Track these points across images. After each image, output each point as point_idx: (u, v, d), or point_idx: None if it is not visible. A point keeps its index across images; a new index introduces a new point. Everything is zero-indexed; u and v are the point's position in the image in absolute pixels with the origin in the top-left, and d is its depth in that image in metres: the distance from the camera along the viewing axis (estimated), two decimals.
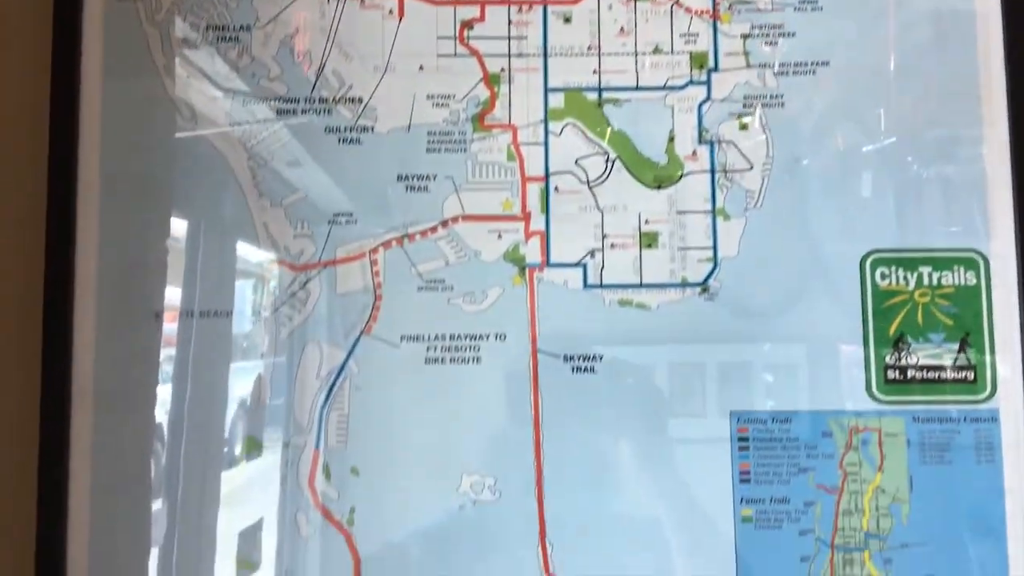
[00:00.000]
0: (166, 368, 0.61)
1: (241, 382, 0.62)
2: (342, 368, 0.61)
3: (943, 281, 0.61)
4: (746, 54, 0.63)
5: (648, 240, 0.62)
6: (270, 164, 0.62)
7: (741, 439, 0.61)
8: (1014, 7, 0.62)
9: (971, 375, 0.61)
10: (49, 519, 0.58)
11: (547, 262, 0.62)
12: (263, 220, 0.62)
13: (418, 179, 0.62)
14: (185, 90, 0.62)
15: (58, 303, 0.59)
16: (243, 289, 0.62)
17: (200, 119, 0.62)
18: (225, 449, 0.61)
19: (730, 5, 0.63)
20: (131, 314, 0.61)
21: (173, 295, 0.61)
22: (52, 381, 0.59)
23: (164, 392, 0.61)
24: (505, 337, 0.61)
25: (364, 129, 0.62)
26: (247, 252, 0.62)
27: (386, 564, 0.60)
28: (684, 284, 0.62)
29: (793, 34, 0.63)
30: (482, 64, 0.63)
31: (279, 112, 0.62)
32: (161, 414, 0.61)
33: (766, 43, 0.63)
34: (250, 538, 0.61)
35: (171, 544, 0.59)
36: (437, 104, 0.62)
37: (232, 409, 0.61)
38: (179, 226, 0.62)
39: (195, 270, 0.62)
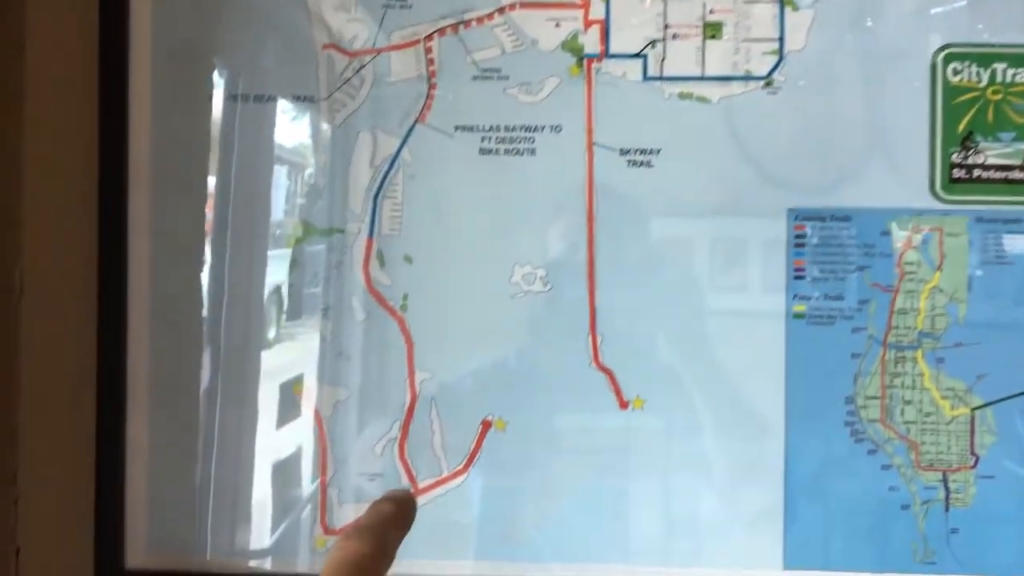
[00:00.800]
0: (216, 152, 0.61)
1: (293, 168, 0.61)
2: (396, 157, 0.61)
3: (1017, 79, 0.59)
4: None
5: (712, 30, 0.60)
6: None
7: (797, 236, 0.60)
8: None
9: None
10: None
11: (606, 52, 0.60)
12: (316, 4, 0.61)
13: None
14: None
15: (113, 87, 0.59)
16: (294, 73, 0.61)
17: None
18: (278, 232, 0.61)
19: None
20: (186, 95, 0.61)
21: (224, 76, 0.61)
22: (108, 159, 0.60)
23: (214, 177, 0.61)
24: (560, 129, 0.60)
25: None
26: (298, 34, 0.61)
27: (438, 349, 0.61)
28: (747, 77, 0.60)
29: None
30: None
31: None
32: (212, 198, 0.61)
33: None
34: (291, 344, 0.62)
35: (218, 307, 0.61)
36: None
37: (283, 194, 0.62)
38: (230, 9, 0.61)
39: (245, 50, 0.61)
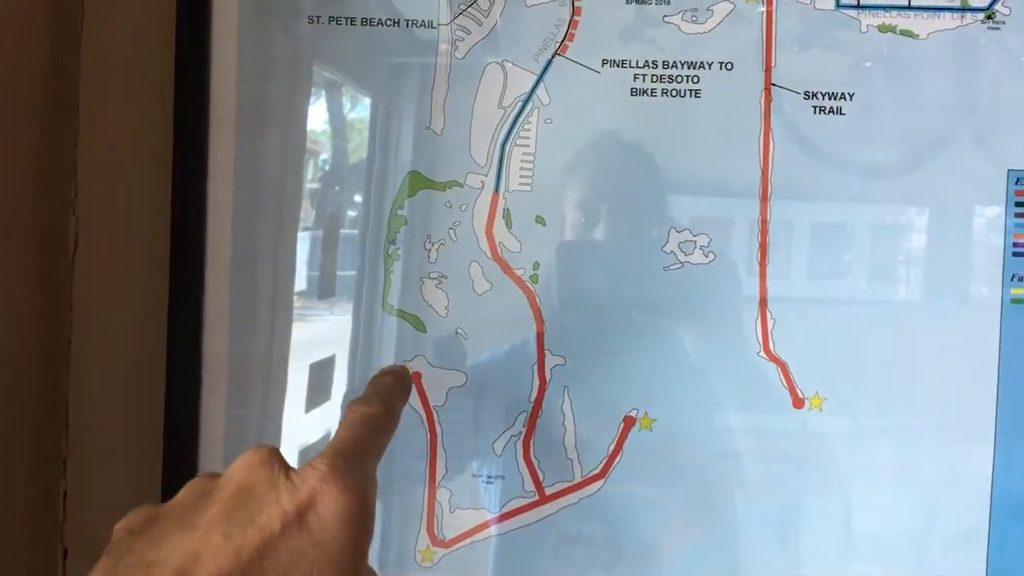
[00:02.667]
0: (314, 80, 0.51)
1: (406, 102, 0.51)
2: (530, 95, 0.50)
3: None
4: None
5: None
6: None
7: (1019, 204, 0.49)
8: None
9: None
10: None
11: None
12: None
13: None
14: None
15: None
16: None
17: None
18: (383, 184, 0.51)
19: None
20: (279, 17, 0.51)
21: None
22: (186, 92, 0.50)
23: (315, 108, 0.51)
24: (732, 66, 0.50)
25: None
26: None
27: (574, 330, 0.50)
28: (964, 8, 0.49)
29: None
30: None
31: None
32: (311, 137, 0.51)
33: None
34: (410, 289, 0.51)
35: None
36: None
37: (391, 138, 0.51)
38: None
39: None
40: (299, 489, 0.27)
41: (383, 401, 0.33)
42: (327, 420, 0.52)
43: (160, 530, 0.26)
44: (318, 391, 0.52)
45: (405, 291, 0.51)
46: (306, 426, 0.52)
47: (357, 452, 0.30)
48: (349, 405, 0.33)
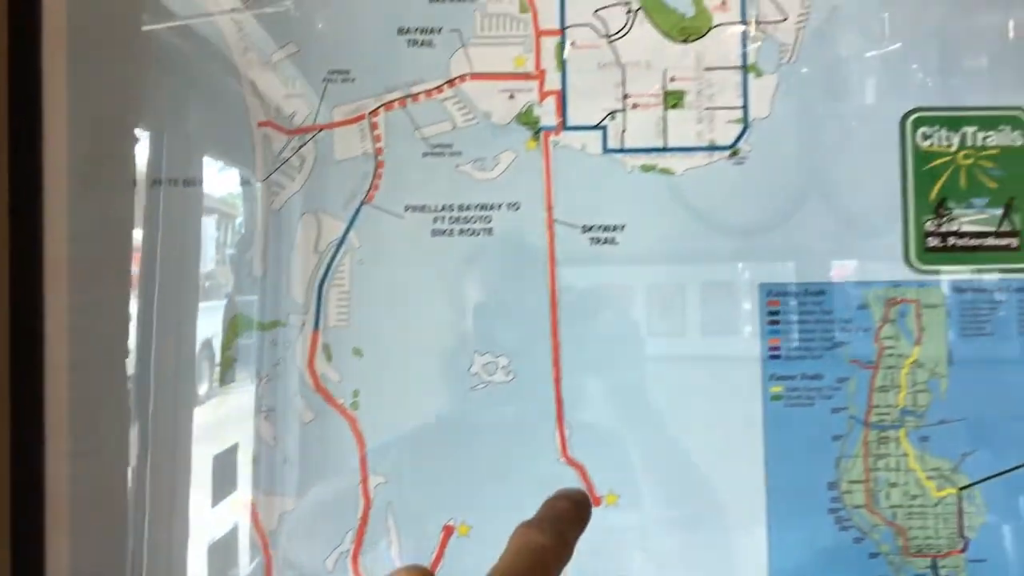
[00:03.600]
0: (141, 239, 0.55)
1: (227, 257, 0.56)
2: (342, 240, 0.56)
3: (988, 142, 0.57)
4: None
5: (673, 99, 0.57)
6: (256, 19, 0.56)
7: (771, 314, 0.57)
8: None
9: (1015, 242, 0.57)
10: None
11: (563, 124, 0.57)
12: (250, 78, 0.56)
13: (421, 32, 0.56)
14: None
15: (25, 163, 0.53)
16: (229, 154, 0.56)
17: None
18: (209, 331, 0.56)
19: None
20: (106, 180, 0.56)
21: (149, 159, 0.55)
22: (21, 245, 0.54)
23: (137, 266, 0.55)
24: (519, 207, 0.57)
25: None
26: (232, 113, 0.56)
27: (393, 449, 0.56)
28: (712, 147, 0.57)
29: None
30: None
31: None
32: (135, 292, 0.55)
33: None
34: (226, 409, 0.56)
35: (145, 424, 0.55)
36: None
37: (217, 285, 0.56)
38: (154, 83, 0.56)
39: (172, 131, 0.56)
40: None
41: (556, 531, 0.30)
42: None
43: None
44: None
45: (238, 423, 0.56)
46: None
47: None
48: (518, 528, 0.30)
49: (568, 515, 0.32)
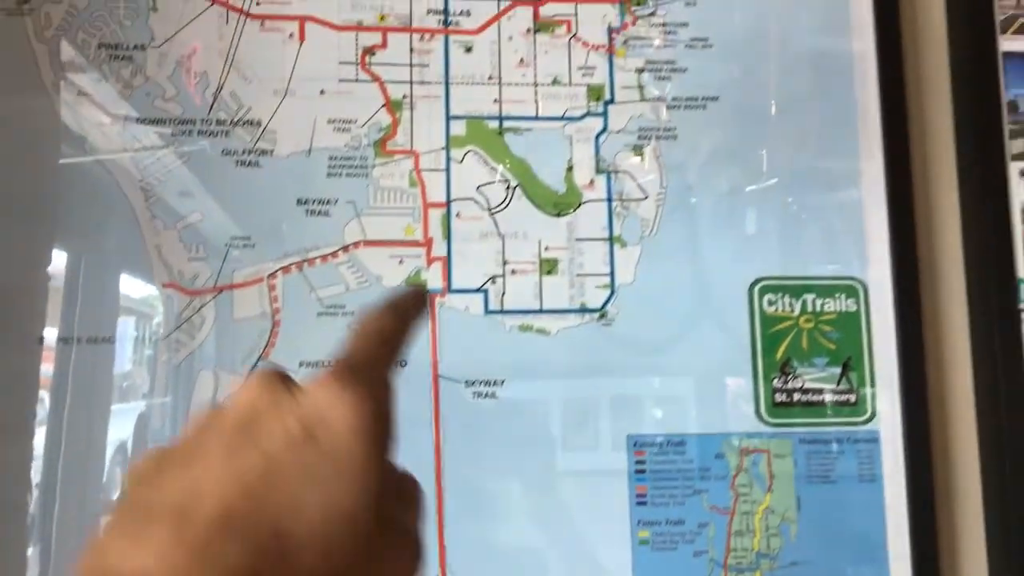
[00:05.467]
0: (48, 395, 0.58)
1: (128, 413, 0.59)
2: None
3: (826, 307, 0.64)
4: (640, 88, 0.65)
5: (548, 266, 0.63)
6: (164, 186, 0.61)
7: (638, 463, 0.62)
8: (887, 48, 0.66)
9: (853, 398, 0.64)
10: None
11: (448, 288, 0.62)
12: (155, 243, 0.60)
13: (318, 203, 0.62)
14: (75, 109, 0.61)
15: None
16: (133, 314, 0.60)
17: (90, 139, 0.61)
18: (103, 495, 0.58)
19: (625, 40, 0.65)
20: (12, 339, 0.59)
21: (57, 320, 0.59)
22: None
23: (45, 421, 0.58)
24: (406, 364, 0.61)
25: (263, 152, 0.62)
26: (138, 276, 0.60)
27: None
28: (583, 310, 0.63)
29: (685, 70, 0.66)
30: (384, 90, 0.63)
31: (174, 134, 0.61)
32: (41, 444, 0.58)
33: (659, 77, 0.65)
34: None
35: None
36: (338, 129, 0.62)
37: (117, 440, 0.59)
38: (65, 248, 0.60)
39: (80, 294, 0.59)
40: (303, 404, 0.24)
41: (395, 313, 0.29)
42: None
43: (164, 470, 0.23)
44: None
45: None
46: None
47: (367, 360, 0.27)
48: (357, 319, 0.29)
49: (405, 301, 0.29)
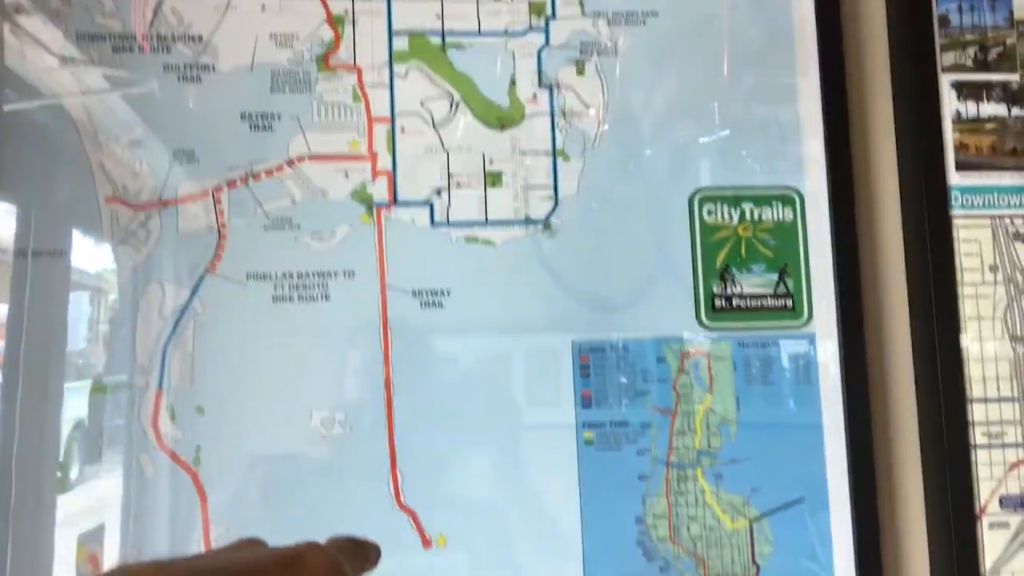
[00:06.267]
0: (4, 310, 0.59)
1: (79, 322, 0.60)
2: (186, 307, 0.61)
3: (763, 216, 0.66)
4: (581, 3, 0.66)
5: (492, 179, 0.64)
6: (106, 102, 0.61)
7: (583, 367, 0.64)
8: None
9: (790, 302, 0.66)
10: None
11: (394, 201, 0.63)
12: (99, 159, 0.61)
13: (262, 118, 0.62)
14: (16, 25, 0.60)
15: None
16: (80, 228, 0.60)
17: (32, 55, 0.60)
18: (70, 396, 0.59)
19: None
20: None
21: (6, 234, 0.59)
22: None
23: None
24: (354, 274, 0.62)
25: (205, 67, 0.62)
26: (81, 190, 0.60)
27: (235, 502, 0.59)
28: (527, 221, 0.64)
29: None
30: (325, 5, 0.63)
31: (115, 49, 0.61)
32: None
33: None
34: (93, 487, 0.59)
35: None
36: (280, 44, 0.63)
37: (71, 346, 0.60)
38: (7, 164, 0.60)
39: (28, 209, 0.59)
40: None
41: (330, 554, 0.29)
42: None
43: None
44: None
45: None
46: None
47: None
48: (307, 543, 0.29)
49: (348, 551, 0.32)
